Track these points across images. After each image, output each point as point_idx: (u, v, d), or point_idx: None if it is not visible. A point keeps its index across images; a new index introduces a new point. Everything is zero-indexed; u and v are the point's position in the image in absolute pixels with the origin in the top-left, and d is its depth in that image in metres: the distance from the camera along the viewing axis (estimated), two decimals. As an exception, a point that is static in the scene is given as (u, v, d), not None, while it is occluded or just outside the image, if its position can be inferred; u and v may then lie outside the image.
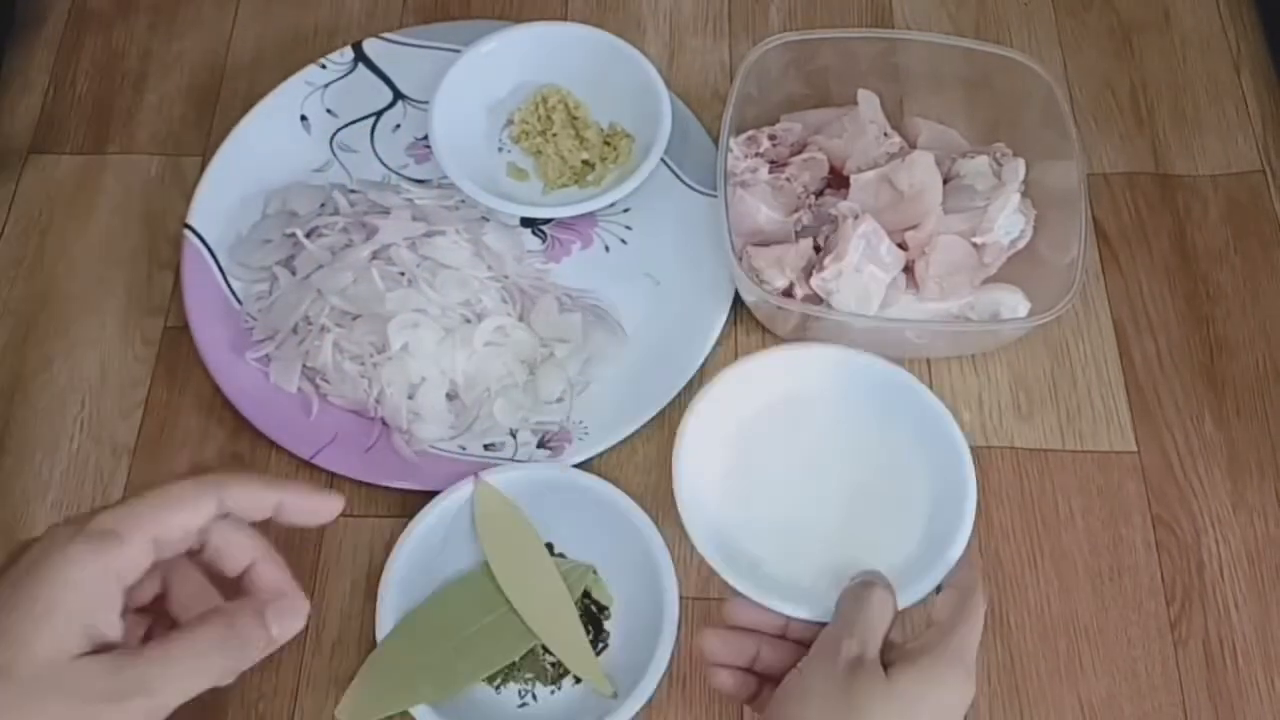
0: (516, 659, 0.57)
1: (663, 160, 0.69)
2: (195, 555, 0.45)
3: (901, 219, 0.65)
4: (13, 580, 0.40)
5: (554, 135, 0.72)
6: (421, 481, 0.61)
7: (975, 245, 0.65)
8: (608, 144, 0.72)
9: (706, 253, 0.68)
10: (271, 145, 0.71)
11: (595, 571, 0.59)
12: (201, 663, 0.41)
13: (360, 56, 0.75)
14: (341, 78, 0.74)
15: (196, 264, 0.67)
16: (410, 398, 0.62)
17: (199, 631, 0.42)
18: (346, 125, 0.73)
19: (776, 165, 0.69)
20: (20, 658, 0.39)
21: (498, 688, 0.57)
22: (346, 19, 0.79)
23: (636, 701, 0.54)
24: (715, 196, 0.66)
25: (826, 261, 0.63)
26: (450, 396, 0.63)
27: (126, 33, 0.79)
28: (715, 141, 0.70)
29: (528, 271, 0.68)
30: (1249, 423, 0.65)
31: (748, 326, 0.68)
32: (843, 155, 0.68)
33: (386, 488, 0.61)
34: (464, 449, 0.63)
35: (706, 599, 0.59)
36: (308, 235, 0.66)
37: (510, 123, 0.73)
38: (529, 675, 0.57)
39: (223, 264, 0.68)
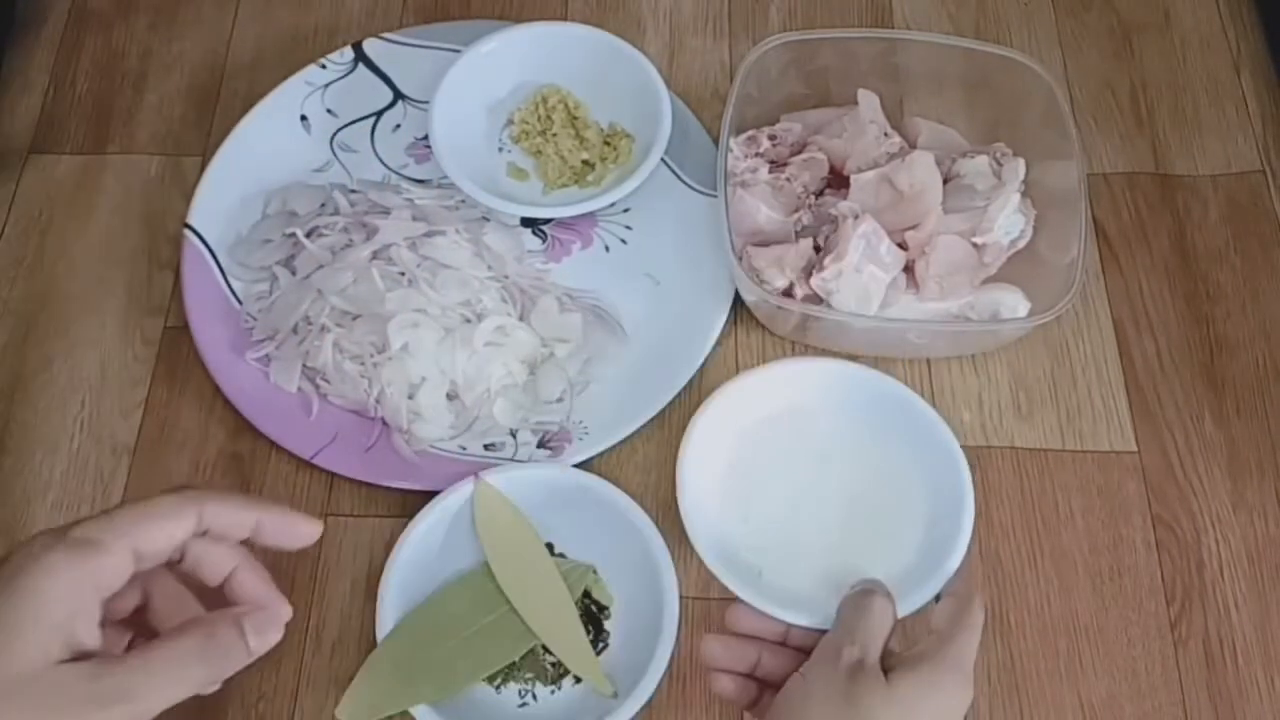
0: (516, 659, 0.57)
1: (663, 160, 0.69)
2: (175, 566, 0.46)
3: (901, 219, 0.65)
4: None
5: (554, 135, 0.72)
6: (421, 481, 0.61)
7: (975, 245, 0.65)
8: (608, 144, 0.72)
9: (706, 253, 0.68)
10: (271, 145, 0.71)
11: (595, 571, 0.59)
12: (181, 672, 0.42)
13: (360, 56, 0.75)
14: (341, 78, 0.74)
15: (196, 264, 0.67)
16: (410, 398, 0.62)
17: (179, 641, 0.42)
18: (346, 125, 0.73)
19: (776, 165, 0.69)
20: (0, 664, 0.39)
21: (498, 688, 0.57)
22: (346, 19, 0.79)
23: (636, 701, 0.54)
24: (715, 196, 0.66)
25: (826, 261, 0.63)
26: (450, 396, 0.63)
27: (126, 33, 0.79)
28: (715, 141, 0.70)
29: (528, 271, 0.68)
30: (1249, 422, 0.65)
31: (748, 326, 0.68)
32: (843, 155, 0.68)
33: (386, 488, 0.62)
34: (464, 449, 0.63)
35: (706, 599, 0.59)
36: (308, 235, 0.66)
37: (510, 123, 0.73)
38: (529, 675, 0.57)
39: (223, 264, 0.68)
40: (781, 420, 0.60)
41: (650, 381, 0.64)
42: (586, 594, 0.59)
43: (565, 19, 0.79)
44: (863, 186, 0.66)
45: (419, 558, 0.58)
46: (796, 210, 0.67)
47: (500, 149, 0.73)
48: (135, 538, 0.42)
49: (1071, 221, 0.64)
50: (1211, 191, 0.73)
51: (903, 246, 0.65)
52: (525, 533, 0.59)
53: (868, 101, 0.69)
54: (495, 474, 0.59)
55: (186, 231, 0.68)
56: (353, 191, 0.69)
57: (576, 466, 0.61)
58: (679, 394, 0.64)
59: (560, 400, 0.64)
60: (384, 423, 0.63)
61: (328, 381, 0.63)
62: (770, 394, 0.59)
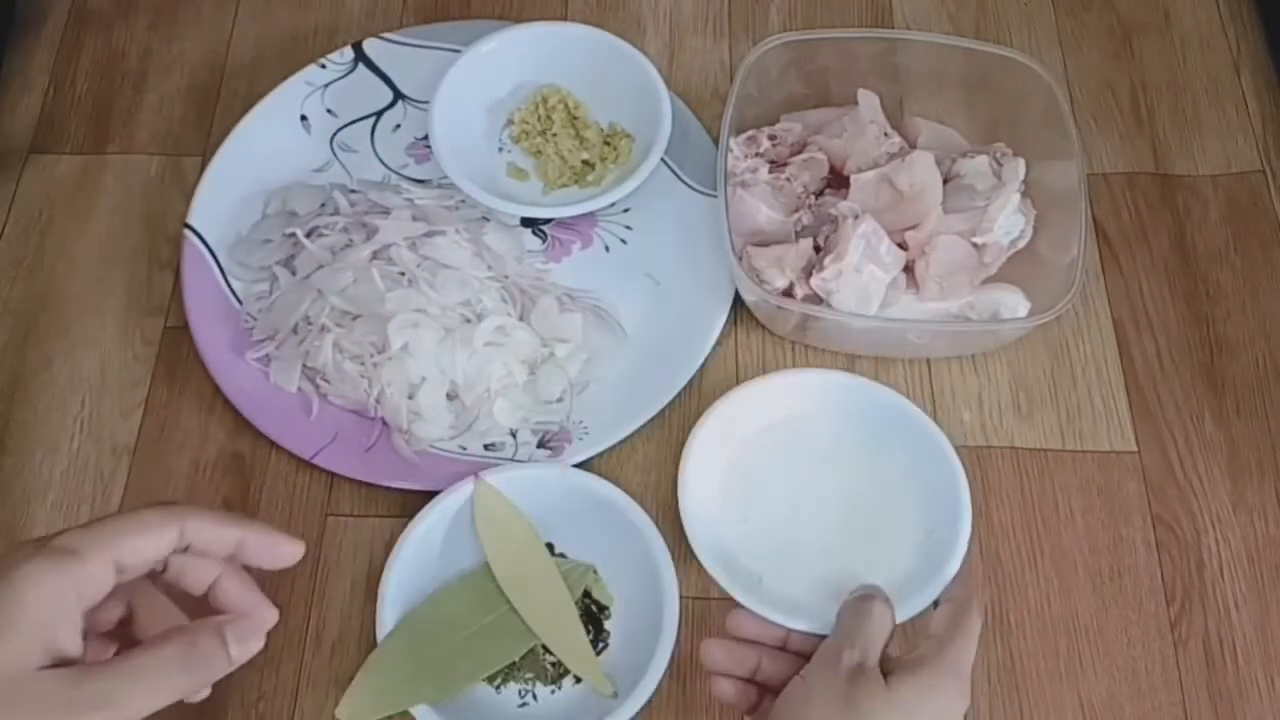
0: (516, 659, 0.57)
1: (663, 160, 0.69)
2: (159, 576, 0.46)
3: (901, 219, 0.65)
4: None
5: (554, 135, 0.72)
6: (421, 481, 0.61)
7: (975, 245, 0.65)
8: (608, 144, 0.72)
9: (706, 253, 0.68)
10: (271, 145, 0.71)
11: (595, 571, 0.59)
12: (162, 679, 0.42)
13: (360, 56, 0.75)
14: (341, 78, 0.74)
15: (196, 264, 0.67)
16: (410, 398, 0.62)
17: (160, 648, 0.43)
18: (346, 125, 0.73)
19: (776, 165, 0.69)
20: None
21: (498, 688, 0.57)
22: (346, 19, 0.79)
23: (636, 701, 0.54)
24: (715, 196, 0.66)
25: (826, 261, 0.63)
26: (450, 396, 0.63)
27: (126, 33, 0.79)
28: (715, 141, 0.70)
29: (528, 271, 0.68)
30: (1249, 422, 0.65)
31: (748, 326, 0.68)
32: (843, 155, 0.68)
33: (386, 488, 0.62)
34: (464, 449, 0.63)
35: (706, 599, 0.59)
36: (308, 235, 0.66)
37: (510, 123, 0.73)
38: (529, 675, 0.57)
39: (223, 264, 0.68)
40: (781, 429, 0.61)
41: (650, 381, 0.64)
42: (586, 594, 0.59)
43: (565, 19, 0.79)
44: (863, 186, 0.66)
45: (419, 558, 0.58)
46: (796, 210, 0.67)
47: (500, 149, 0.73)
48: (117, 549, 0.42)
49: (1071, 221, 0.64)
50: (1211, 191, 0.73)
51: (903, 246, 0.65)
52: (525, 533, 0.59)
53: (868, 101, 0.69)
54: (495, 474, 0.59)
55: (186, 231, 0.68)
56: (353, 191, 0.69)
57: (576, 466, 0.61)
58: (679, 394, 0.64)
59: (560, 400, 0.64)
60: (384, 423, 0.63)
61: (328, 381, 0.63)
62: (770, 403, 0.61)
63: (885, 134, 0.68)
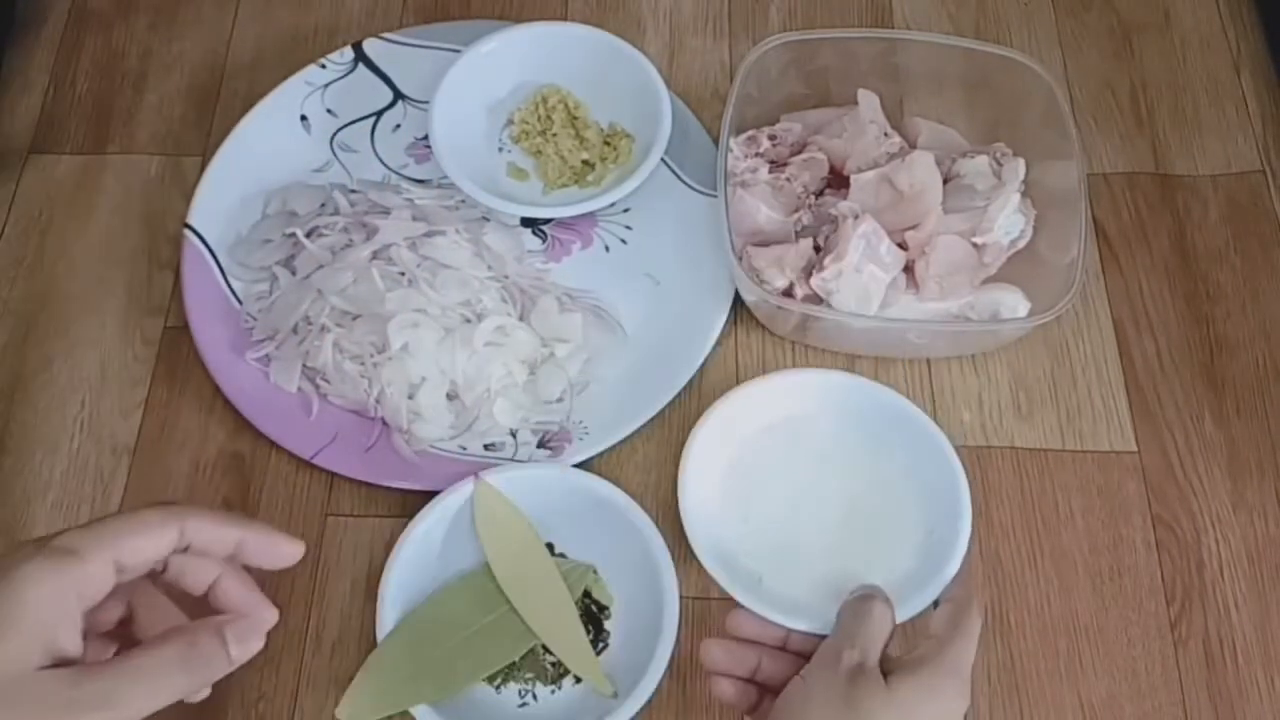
0: (516, 659, 0.57)
1: (663, 160, 0.69)
2: (159, 576, 0.46)
3: (901, 219, 0.65)
4: None
5: (554, 135, 0.72)
6: (421, 481, 0.61)
7: (975, 245, 0.65)
8: (608, 144, 0.72)
9: (706, 253, 0.68)
10: (271, 145, 0.71)
11: (595, 571, 0.59)
12: (162, 679, 0.42)
13: (360, 56, 0.75)
14: (341, 78, 0.74)
15: (196, 264, 0.67)
16: (410, 398, 0.62)
17: (160, 648, 0.43)
18: (346, 125, 0.73)
19: (776, 165, 0.69)
20: None
21: (498, 688, 0.57)
22: (346, 19, 0.79)
23: (636, 701, 0.54)
24: (715, 196, 0.66)
25: (826, 261, 0.63)
26: (450, 396, 0.63)
27: (126, 33, 0.79)
28: (715, 141, 0.70)
29: (528, 271, 0.68)
30: (1249, 422, 0.65)
31: (748, 326, 0.68)
32: (843, 155, 0.68)
33: (386, 488, 0.62)
34: (464, 449, 0.63)
35: (706, 599, 0.59)
36: (308, 235, 0.66)
37: (510, 123, 0.73)
38: (529, 675, 0.57)
39: (223, 264, 0.68)
40: (781, 429, 0.62)
41: (650, 381, 0.64)
42: (586, 594, 0.59)
43: (565, 19, 0.79)
44: (863, 186, 0.66)
45: (419, 558, 0.58)
46: (796, 210, 0.67)
47: (500, 149, 0.73)
48: (116, 549, 0.42)
49: (1071, 221, 0.64)
50: (1211, 191, 0.73)
51: (903, 246, 0.65)
52: (525, 533, 0.59)
53: (868, 101, 0.69)
54: (495, 474, 0.59)
55: (186, 231, 0.68)
56: (353, 191, 0.69)
57: (576, 466, 0.61)
58: (679, 394, 0.64)
59: (560, 400, 0.64)
60: (384, 423, 0.63)
61: (328, 381, 0.63)
62: (770, 403, 0.61)
63: (885, 134, 0.68)
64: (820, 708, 0.47)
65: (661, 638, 0.55)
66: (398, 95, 0.74)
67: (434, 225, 0.66)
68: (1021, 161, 0.67)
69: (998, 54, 0.68)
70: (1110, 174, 0.73)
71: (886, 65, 0.71)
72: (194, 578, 0.46)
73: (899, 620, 0.52)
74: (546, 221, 0.70)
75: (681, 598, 0.56)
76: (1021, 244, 0.66)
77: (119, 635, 0.46)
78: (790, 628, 0.54)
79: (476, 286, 0.64)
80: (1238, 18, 0.79)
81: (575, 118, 0.72)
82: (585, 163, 0.72)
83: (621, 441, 0.63)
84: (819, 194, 0.69)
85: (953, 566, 0.56)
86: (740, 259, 0.64)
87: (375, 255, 0.64)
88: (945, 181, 0.67)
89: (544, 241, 0.70)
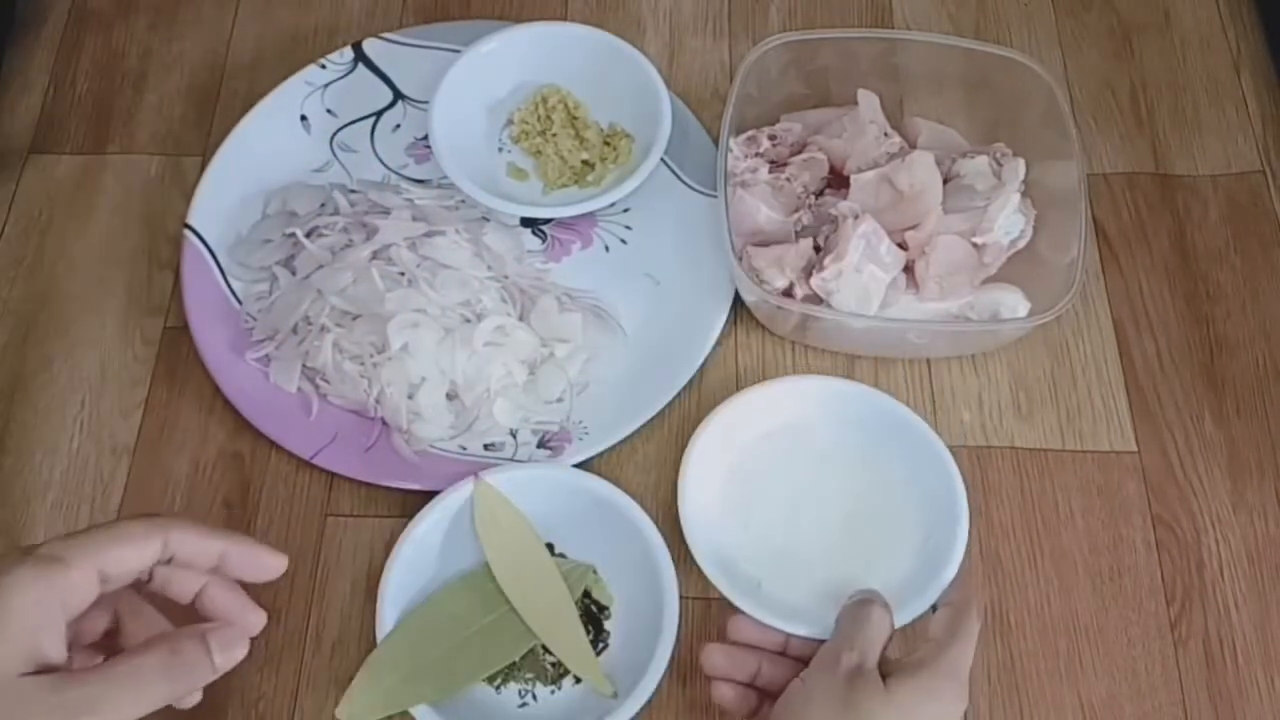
0: (516, 659, 0.57)
1: (663, 160, 0.69)
2: (144, 585, 0.46)
3: (901, 219, 0.65)
4: None
5: (554, 135, 0.72)
6: (421, 481, 0.61)
7: (975, 245, 0.65)
8: (608, 144, 0.72)
9: (706, 253, 0.68)
10: (271, 145, 0.71)
11: (595, 571, 0.59)
12: (145, 686, 0.42)
13: (360, 56, 0.75)
14: (341, 78, 0.74)
15: (196, 264, 0.67)
16: (410, 398, 0.62)
17: (144, 656, 0.43)
18: (346, 125, 0.73)
19: (776, 165, 0.69)
20: None
21: (498, 688, 0.57)
22: (346, 19, 0.79)
23: (636, 701, 0.54)
24: (715, 196, 0.66)
25: (826, 261, 0.63)
26: (450, 396, 0.63)
27: (126, 33, 0.79)
28: (715, 141, 0.70)
29: (528, 271, 0.68)
30: (1249, 422, 0.65)
31: (748, 326, 0.68)
32: (843, 155, 0.68)
33: (386, 488, 0.62)
34: (464, 449, 0.63)
35: (706, 599, 0.59)
36: (308, 235, 0.66)
37: (510, 123, 0.73)
38: (529, 675, 0.57)
39: (223, 264, 0.68)
40: (781, 435, 0.62)
41: (650, 381, 0.64)
42: (586, 594, 0.59)
43: (565, 19, 0.79)
44: (863, 186, 0.66)
45: (419, 558, 0.58)
46: (796, 210, 0.67)
47: (500, 149, 0.73)
48: (100, 558, 0.43)
49: (1071, 221, 0.64)
50: (1211, 191, 0.73)
51: (903, 246, 0.65)
52: (525, 533, 0.59)
53: (868, 101, 0.69)
54: (495, 474, 0.59)
55: (186, 231, 0.68)
56: (353, 191, 0.69)
57: (576, 466, 0.61)
58: (679, 394, 0.64)
59: (560, 400, 0.64)
60: (384, 423, 0.63)
61: (327, 381, 0.63)
62: (770, 409, 0.62)
63: (885, 134, 0.68)
64: (820, 708, 0.48)
65: (661, 638, 0.55)
66: (398, 95, 0.74)
67: (434, 225, 0.66)
68: (1021, 161, 0.67)
69: (998, 54, 0.68)
70: (1110, 174, 0.73)
71: (886, 65, 0.71)
72: (180, 586, 0.47)
73: (898, 625, 0.53)
74: (546, 221, 0.70)
75: (681, 598, 0.56)
76: (1021, 244, 0.66)
77: (106, 647, 0.47)
78: (789, 633, 0.55)
79: (476, 286, 0.64)
80: (1238, 18, 0.79)
81: (575, 118, 0.72)
82: (585, 163, 0.72)
83: (621, 442, 0.63)
84: (819, 194, 0.69)
85: (950, 571, 0.56)
86: (740, 259, 0.64)
87: (375, 255, 0.64)
88: (945, 181, 0.67)
89: (544, 241, 0.70)
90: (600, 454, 0.63)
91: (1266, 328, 0.68)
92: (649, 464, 0.64)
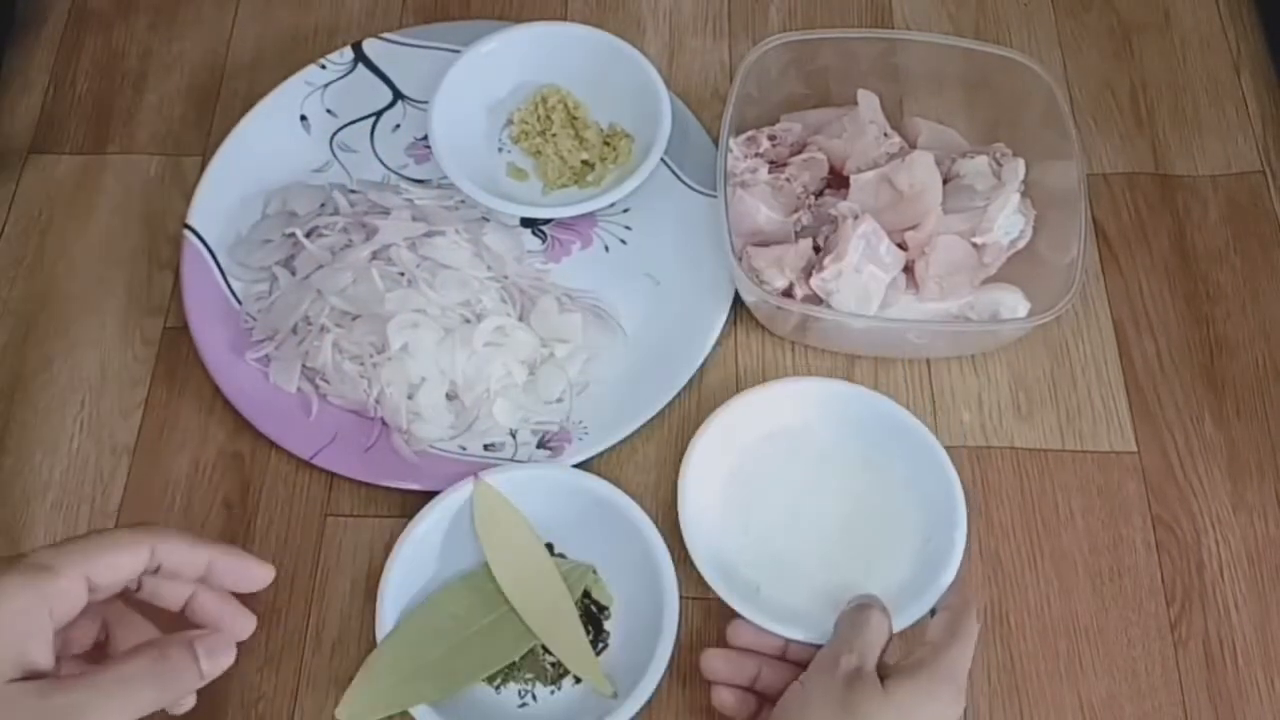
0: (516, 659, 0.57)
1: (663, 160, 0.69)
2: (133, 594, 0.47)
3: (901, 219, 0.65)
4: None
5: (554, 135, 0.72)
6: (421, 481, 0.61)
7: (975, 245, 0.65)
8: (607, 144, 0.72)
9: (706, 253, 0.68)
10: (271, 145, 0.71)
11: (595, 571, 0.59)
12: (132, 692, 0.42)
13: (360, 56, 0.75)
14: (341, 78, 0.74)
15: (196, 264, 0.67)
16: (410, 398, 0.62)
17: (131, 662, 0.43)
18: (346, 125, 0.73)
19: (776, 165, 0.69)
20: None
21: (498, 688, 0.57)
22: (346, 19, 0.79)
23: (636, 701, 0.54)
24: (715, 196, 0.66)
25: (826, 261, 0.63)
26: (450, 396, 0.63)
27: (126, 33, 0.79)
28: (715, 141, 0.70)
29: (528, 271, 0.68)
30: (1249, 423, 0.65)
31: (748, 326, 0.68)
32: (843, 155, 0.68)
33: (386, 488, 0.61)
34: (464, 449, 0.63)
35: (706, 599, 0.59)
36: (308, 235, 0.66)
37: (510, 123, 0.73)
38: (529, 675, 0.57)
39: (223, 264, 0.68)
40: (780, 437, 0.62)
41: (650, 381, 0.64)
42: (586, 594, 0.59)
43: (565, 19, 0.79)
44: (863, 186, 0.66)
45: (419, 558, 0.58)
46: (796, 210, 0.67)
47: (500, 149, 0.73)
48: (88, 566, 0.43)
49: (1071, 221, 0.63)
50: (1211, 191, 0.73)
51: (903, 246, 0.65)
52: (525, 533, 0.59)
53: (868, 101, 0.69)
54: (495, 474, 0.59)
55: (186, 231, 0.68)
56: (352, 191, 0.69)
57: (576, 466, 0.61)
58: (679, 394, 0.64)
59: (560, 400, 0.64)
60: (384, 423, 0.63)
61: (327, 381, 0.63)
62: (770, 412, 0.62)
63: (885, 134, 0.68)
64: (819, 710, 0.48)
65: (661, 638, 0.55)
66: (397, 95, 0.74)
67: (434, 225, 0.66)
68: (1021, 161, 0.67)
69: (998, 54, 0.68)
70: (1110, 174, 0.73)
71: (886, 65, 0.71)
72: (170, 595, 0.47)
73: (896, 628, 0.53)
74: (546, 222, 0.70)
75: (681, 598, 0.56)
76: (1021, 244, 0.66)
77: (96, 657, 0.47)
78: (788, 638, 0.55)
79: (476, 287, 0.64)
80: (1238, 18, 0.79)
81: (575, 118, 0.72)
82: (585, 163, 0.72)
83: (621, 442, 0.63)
84: (819, 194, 0.69)
85: (949, 574, 0.57)
86: (740, 259, 0.64)
87: (375, 255, 0.64)
88: (945, 181, 0.67)
89: (544, 242, 0.70)
90: (600, 454, 0.63)
91: (1266, 328, 0.68)
92: (649, 464, 0.64)
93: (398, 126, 0.73)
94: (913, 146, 0.68)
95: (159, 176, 0.73)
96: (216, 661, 0.45)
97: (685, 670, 0.58)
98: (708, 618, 0.59)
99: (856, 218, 0.64)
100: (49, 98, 0.77)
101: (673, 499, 0.59)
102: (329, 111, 0.73)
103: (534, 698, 0.57)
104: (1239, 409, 0.66)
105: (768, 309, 0.64)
